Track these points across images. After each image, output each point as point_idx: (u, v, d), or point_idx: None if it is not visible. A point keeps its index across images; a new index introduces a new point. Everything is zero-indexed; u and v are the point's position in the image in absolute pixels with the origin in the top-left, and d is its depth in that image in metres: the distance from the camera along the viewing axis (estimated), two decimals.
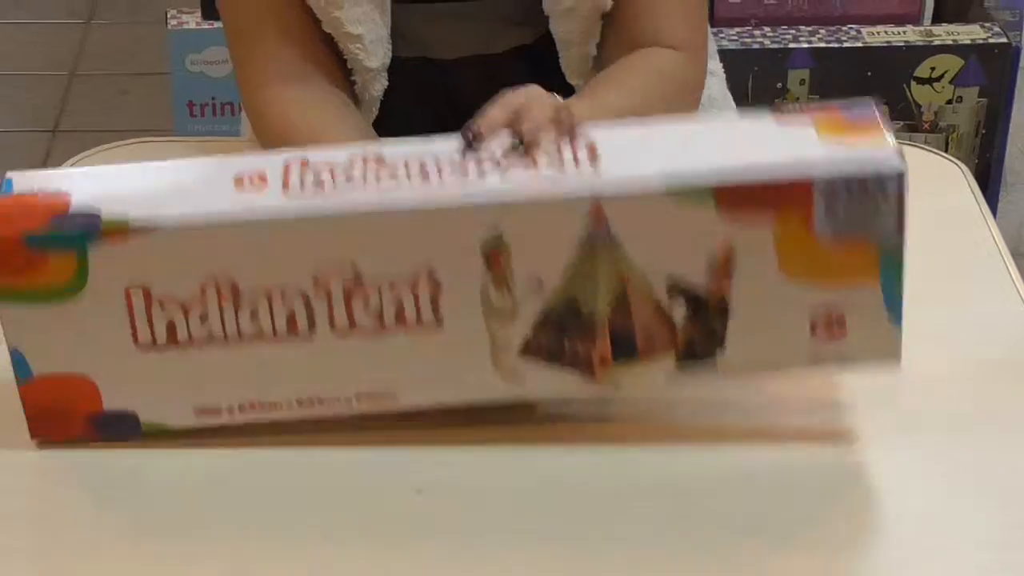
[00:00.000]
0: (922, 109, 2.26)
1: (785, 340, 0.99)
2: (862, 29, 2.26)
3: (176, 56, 2.26)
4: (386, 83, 1.33)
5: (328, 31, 1.29)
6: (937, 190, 1.33)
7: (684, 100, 1.30)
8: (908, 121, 2.27)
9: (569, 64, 1.33)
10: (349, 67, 1.32)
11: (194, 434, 1.05)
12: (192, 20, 2.27)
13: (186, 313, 0.99)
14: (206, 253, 0.98)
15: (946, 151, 1.89)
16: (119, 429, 1.01)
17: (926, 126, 2.28)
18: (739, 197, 0.96)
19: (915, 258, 1.23)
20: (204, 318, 0.99)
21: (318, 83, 1.29)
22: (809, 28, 2.25)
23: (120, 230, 0.98)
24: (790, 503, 1.02)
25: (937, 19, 2.30)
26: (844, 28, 2.26)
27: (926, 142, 2.19)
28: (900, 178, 0.96)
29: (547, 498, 1.03)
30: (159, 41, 2.32)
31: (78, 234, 0.98)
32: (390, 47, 1.31)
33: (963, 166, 1.37)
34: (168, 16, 2.28)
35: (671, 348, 0.99)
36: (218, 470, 1.04)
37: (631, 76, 1.29)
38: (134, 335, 0.99)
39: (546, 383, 1.00)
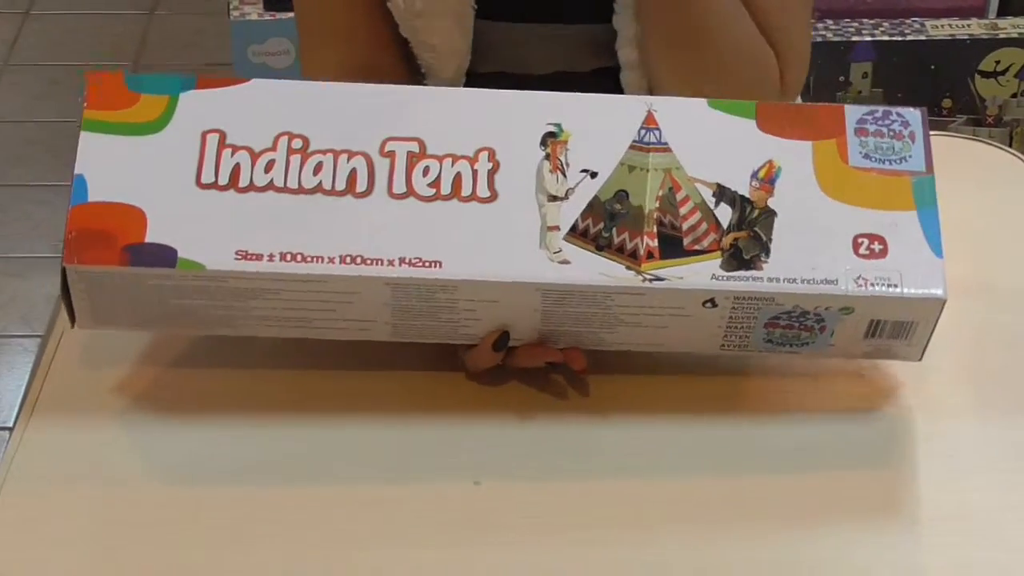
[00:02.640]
0: (986, 103, 2.25)
1: (828, 251, 1.02)
2: (926, 22, 2.24)
3: (238, 47, 2.27)
4: None
5: (405, 35, 1.29)
6: (1001, 185, 1.32)
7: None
8: (972, 115, 2.25)
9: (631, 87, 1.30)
10: (423, 71, 1.32)
11: (252, 414, 1.06)
12: (254, 11, 2.28)
13: (253, 160, 1.04)
14: (288, 109, 1.05)
15: (1010, 146, 1.87)
16: (153, 260, 1.02)
17: (990, 120, 2.26)
18: (778, 116, 1.06)
19: (978, 252, 1.22)
20: (269, 167, 1.03)
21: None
22: (872, 21, 2.24)
23: (214, 80, 1.06)
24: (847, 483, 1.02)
25: (1003, 12, 2.28)
26: (908, 21, 2.25)
27: (990, 136, 2.18)
28: (923, 114, 1.06)
29: (607, 489, 1.03)
30: (221, 32, 2.34)
31: (175, 81, 1.05)
32: (468, 59, 1.31)
33: None
34: (230, 7, 2.29)
35: (716, 250, 1.02)
36: (269, 453, 1.05)
37: None
38: (198, 175, 1.03)
39: (590, 268, 1.02)
